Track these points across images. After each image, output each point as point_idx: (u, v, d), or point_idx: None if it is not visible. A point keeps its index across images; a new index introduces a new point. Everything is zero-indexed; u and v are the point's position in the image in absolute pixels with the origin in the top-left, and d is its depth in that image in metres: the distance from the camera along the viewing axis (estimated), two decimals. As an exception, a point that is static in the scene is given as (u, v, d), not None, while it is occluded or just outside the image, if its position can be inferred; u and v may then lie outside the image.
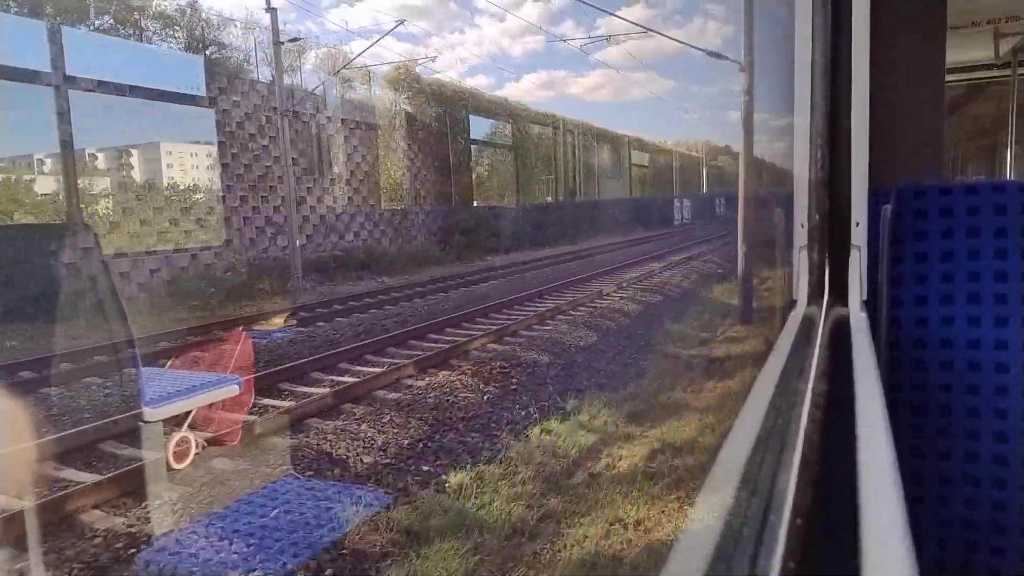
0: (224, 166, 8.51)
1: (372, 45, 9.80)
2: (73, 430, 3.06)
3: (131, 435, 3.06)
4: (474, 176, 13.40)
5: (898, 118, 0.96)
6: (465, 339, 4.78)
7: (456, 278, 8.63)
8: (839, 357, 0.62)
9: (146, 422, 2.70)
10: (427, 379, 3.93)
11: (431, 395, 3.62)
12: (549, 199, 16.02)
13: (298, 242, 8.37)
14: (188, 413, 2.77)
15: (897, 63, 0.95)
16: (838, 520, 0.34)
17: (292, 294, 7.50)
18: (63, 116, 6.55)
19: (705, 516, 0.36)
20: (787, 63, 1.00)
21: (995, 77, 3.27)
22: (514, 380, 3.99)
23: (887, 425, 0.41)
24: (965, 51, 2.94)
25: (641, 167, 21.50)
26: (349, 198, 10.32)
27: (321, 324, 5.71)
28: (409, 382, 3.88)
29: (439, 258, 10.96)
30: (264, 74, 9.38)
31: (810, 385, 0.53)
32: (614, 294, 6.98)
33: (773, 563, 0.31)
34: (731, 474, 0.39)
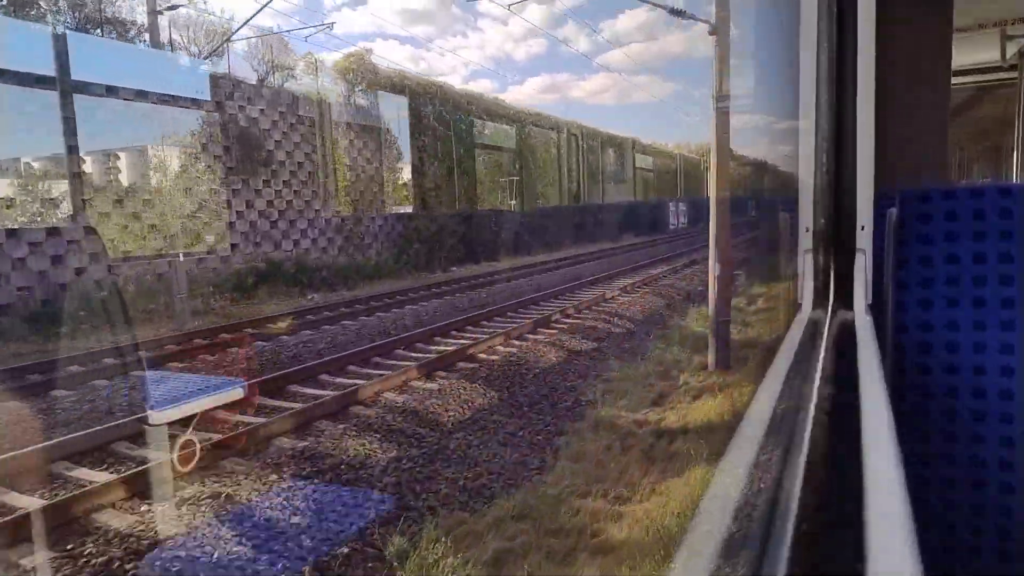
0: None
1: (255, 15, 9.88)
2: (78, 433, 3.46)
3: (136, 438, 3.47)
4: (441, 178, 13.61)
5: (903, 121, 1.11)
6: (296, 409, 3.68)
7: (395, 296, 8.48)
8: (844, 360, 0.71)
9: (151, 425, 3.16)
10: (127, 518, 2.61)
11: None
12: (540, 203, 16.46)
13: (182, 255, 8.01)
14: (193, 416, 3.15)
15: (902, 66, 1.10)
16: (843, 524, 0.40)
17: (178, 319, 7.09)
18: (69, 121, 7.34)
19: (711, 518, 0.41)
20: (792, 66, 1.14)
21: (1002, 79, 3.69)
22: (301, 502, 2.77)
23: (892, 429, 0.48)
24: (971, 53, 3.31)
25: (645, 170, 23.40)
26: (288, 201, 10.21)
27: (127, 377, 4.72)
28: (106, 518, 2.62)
29: (392, 270, 11.06)
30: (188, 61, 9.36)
31: (815, 388, 0.61)
32: (562, 321, 6.46)
33: (778, 566, 0.36)
34: (737, 477, 0.44)
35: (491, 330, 6.05)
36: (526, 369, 4.90)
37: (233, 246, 9.20)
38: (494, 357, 5.13)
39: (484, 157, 14.80)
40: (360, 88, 11.57)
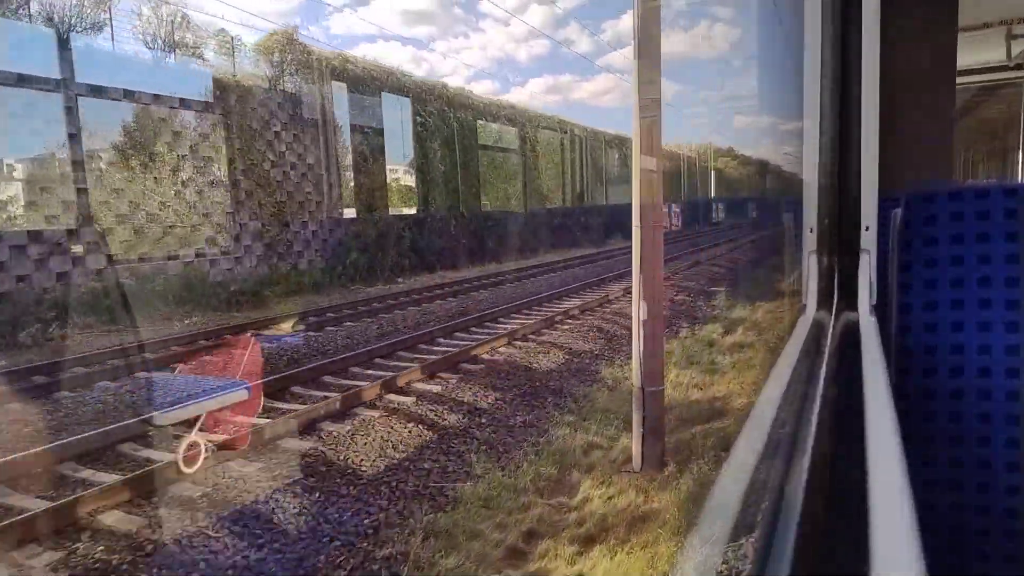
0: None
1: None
2: (83, 435, 4.01)
3: (141, 439, 4.06)
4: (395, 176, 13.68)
5: (908, 121, 1.28)
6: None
7: (297, 319, 8.09)
8: (849, 362, 0.80)
9: (156, 426, 3.71)
10: None
11: None
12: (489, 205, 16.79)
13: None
14: (198, 417, 3.70)
15: (907, 65, 1.27)
16: (848, 527, 0.46)
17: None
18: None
19: (714, 520, 0.46)
20: (796, 66, 1.30)
21: (1007, 79, 4.17)
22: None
23: (897, 431, 0.56)
24: (976, 52, 3.74)
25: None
26: (192, 204, 9.92)
27: None
28: None
29: (320, 283, 10.99)
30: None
31: (820, 390, 0.69)
32: (440, 377, 5.42)
33: (782, 568, 0.41)
34: (740, 479, 0.50)
35: (329, 393, 4.95)
36: (309, 482, 3.56)
37: (109, 257, 8.77)
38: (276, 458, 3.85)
39: (443, 154, 14.98)
40: (289, 72, 11.48)
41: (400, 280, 12.21)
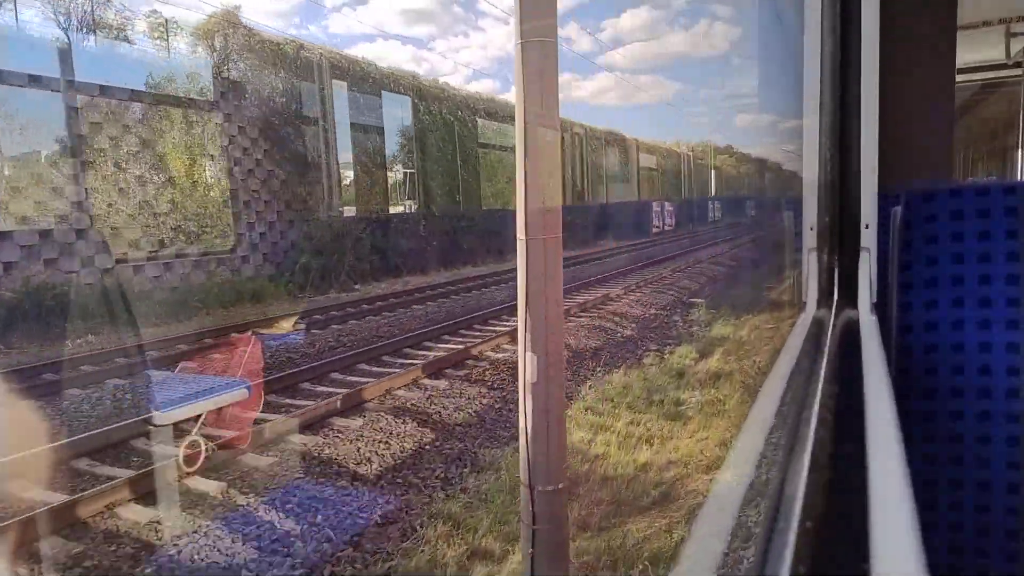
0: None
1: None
2: (83, 434, 4.26)
3: (141, 439, 4.29)
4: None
5: (908, 119, 1.38)
6: None
7: (196, 339, 7.59)
8: (849, 360, 0.87)
9: (157, 426, 3.97)
10: None
11: None
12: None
13: None
14: (198, 417, 3.93)
15: (907, 63, 1.37)
16: (848, 524, 0.50)
17: None
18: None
19: (715, 517, 0.49)
20: (796, 65, 1.41)
21: (1006, 77, 4.49)
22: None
23: (897, 429, 0.61)
24: (976, 51, 4.02)
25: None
26: (110, 204, 9.66)
27: None
28: None
29: (271, 292, 10.93)
30: None
31: (820, 388, 0.75)
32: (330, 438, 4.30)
33: (782, 567, 0.45)
34: (741, 476, 0.54)
35: (116, 470, 3.88)
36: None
37: (7, 265, 8.44)
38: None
39: (411, 150, 14.96)
40: (236, 58, 11.32)
41: (357, 287, 12.15)
